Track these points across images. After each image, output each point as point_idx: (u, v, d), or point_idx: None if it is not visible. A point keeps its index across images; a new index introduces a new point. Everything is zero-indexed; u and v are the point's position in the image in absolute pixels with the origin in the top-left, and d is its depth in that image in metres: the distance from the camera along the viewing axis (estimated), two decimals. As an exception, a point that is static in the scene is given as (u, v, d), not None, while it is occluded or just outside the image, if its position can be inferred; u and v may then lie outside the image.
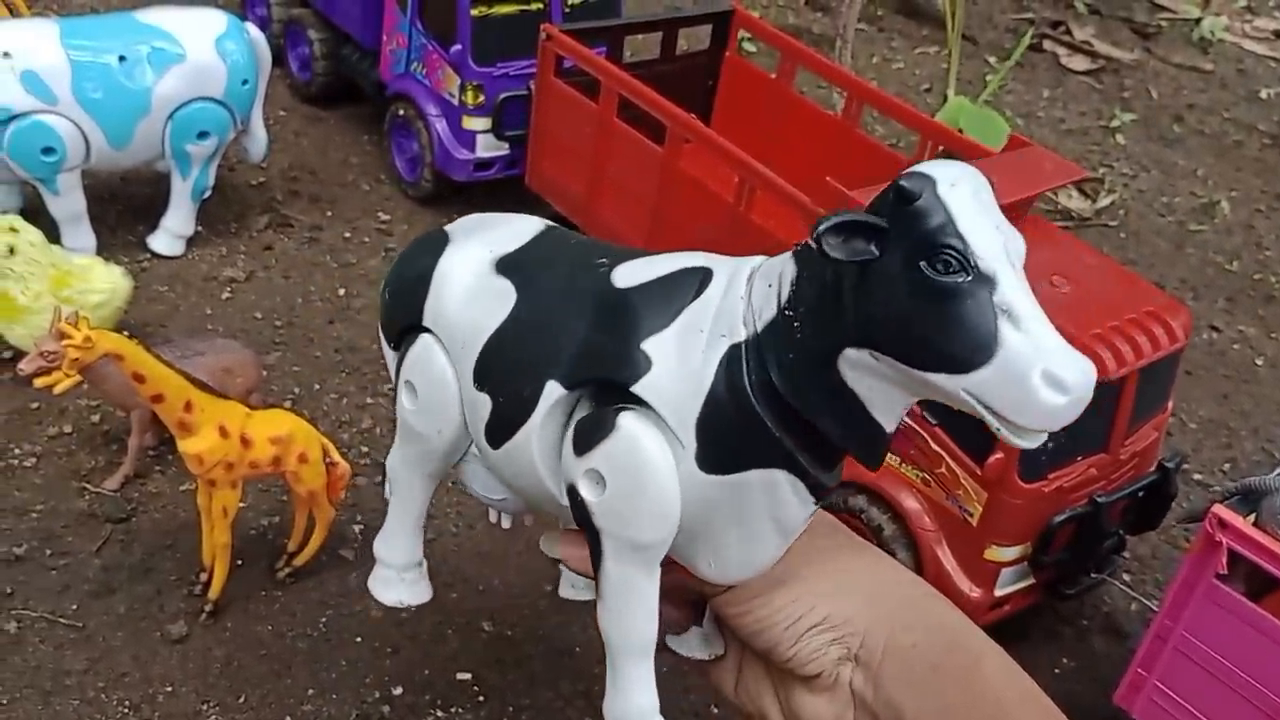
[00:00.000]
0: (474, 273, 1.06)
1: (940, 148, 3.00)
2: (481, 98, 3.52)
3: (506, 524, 1.25)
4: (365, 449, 2.83)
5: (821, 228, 0.78)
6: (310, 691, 2.25)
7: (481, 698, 2.31)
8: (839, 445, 0.88)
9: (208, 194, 3.36)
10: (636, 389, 0.89)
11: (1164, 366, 2.51)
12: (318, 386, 3.01)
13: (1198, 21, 6.32)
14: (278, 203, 3.68)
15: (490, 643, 2.42)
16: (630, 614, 0.97)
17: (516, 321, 1.00)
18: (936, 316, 0.77)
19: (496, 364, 1.01)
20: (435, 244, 1.14)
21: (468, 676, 2.35)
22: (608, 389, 0.92)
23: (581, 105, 3.12)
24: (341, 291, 3.36)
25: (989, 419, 0.78)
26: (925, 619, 0.95)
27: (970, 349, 0.76)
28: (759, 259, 0.89)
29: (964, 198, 0.79)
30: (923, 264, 0.77)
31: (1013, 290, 0.77)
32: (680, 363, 0.88)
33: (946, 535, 2.46)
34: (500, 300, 1.02)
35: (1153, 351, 2.39)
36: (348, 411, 2.94)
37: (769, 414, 0.86)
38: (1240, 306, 4.21)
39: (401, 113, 3.74)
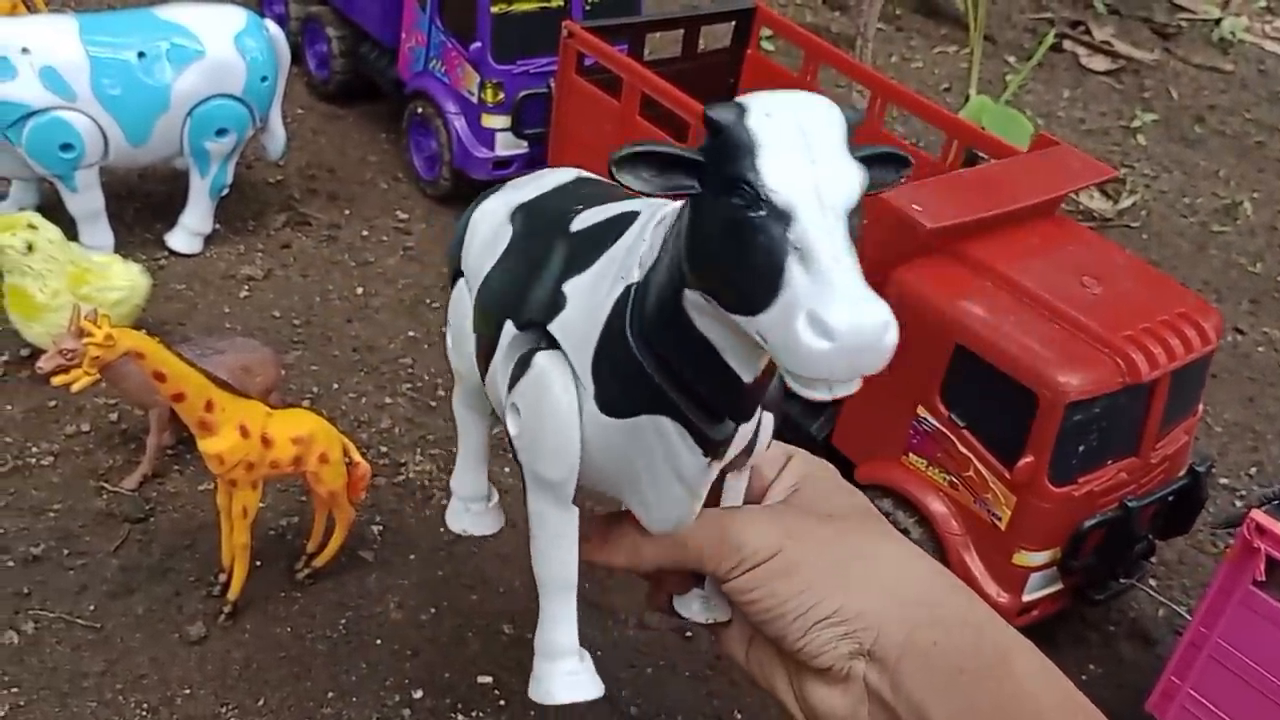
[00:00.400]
0: (492, 221, 1.12)
1: (965, 146, 2.96)
2: (501, 95, 3.49)
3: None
4: (384, 449, 2.81)
5: (616, 156, 0.75)
6: (330, 694, 2.23)
7: (502, 701, 2.28)
8: (703, 391, 0.85)
9: (225, 191, 3.34)
10: (551, 328, 0.92)
11: (1195, 369, 2.47)
12: (336, 386, 2.99)
13: (1218, 22, 6.27)
14: (296, 201, 3.66)
15: (511, 646, 2.39)
16: (546, 549, 1.00)
17: (499, 264, 1.05)
18: (731, 252, 0.73)
19: (479, 303, 1.08)
20: (482, 195, 1.22)
21: (488, 680, 2.32)
22: (540, 329, 0.94)
23: (603, 103, 3.10)
24: (360, 290, 3.34)
25: (780, 368, 0.73)
26: (947, 614, 0.88)
27: (756, 287, 0.72)
28: (678, 204, 0.86)
29: (775, 129, 0.73)
30: (725, 197, 0.73)
31: (811, 228, 0.71)
32: (588, 304, 0.89)
33: (974, 539, 2.43)
34: (500, 245, 1.07)
35: (1185, 354, 2.35)
36: (366, 411, 2.92)
37: (646, 359, 0.85)
38: (1265, 309, 4.16)
39: (420, 111, 3.72)
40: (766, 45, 4.46)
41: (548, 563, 1.01)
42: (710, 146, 0.75)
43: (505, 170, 3.62)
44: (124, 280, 2.78)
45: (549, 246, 0.98)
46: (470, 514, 1.36)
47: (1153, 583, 2.85)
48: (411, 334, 3.22)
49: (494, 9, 3.39)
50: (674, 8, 5.05)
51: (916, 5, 5.85)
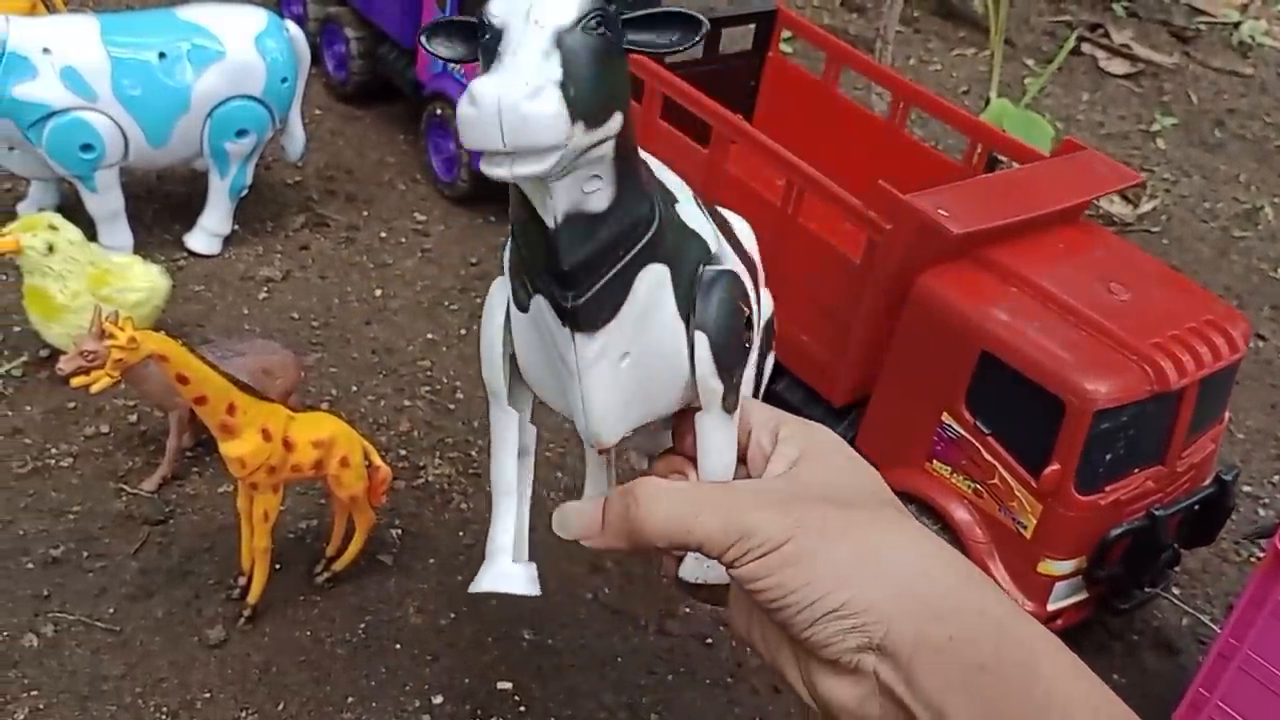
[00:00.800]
0: None
1: (989, 150, 2.93)
2: (520, 97, 3.48)
3: (641, 464, 1.37)
4: (403, 451, 2.80)
5: (428, 24, 0.88)
6: (350, 699, 2.22)
7: (523, 708, 2.27)
8: (530, 257, 0.93)
9: (245, 193, 3.34)
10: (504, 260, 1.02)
11: (1223, 377, 2.45)
12: (355, 388, 2.98)
13: (1237, 25, 6.23)
14: (314, 202, 3.66)
15: (531, 652, 2.38)
16: (494, 458, 1.09)
17: None
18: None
19: None
20: None
21: (508, 686, 2.31)
22: None
23: (623, 105, 3.08)
24: (378, 292, 3.33)
25: None
26: (964, 607, 0.81)
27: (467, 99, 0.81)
28: None
29: None
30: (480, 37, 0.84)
31: (512, 41, 0.81)
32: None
33: (998, 547, 2.41)
34: None
35: (1214, 361, 2.33)
36: (385, 414, 2.91)
37: (517, 245, 0.95)
38: (1287, 315, 4.13)
39: (439, 112, 3.71)
40: (786, 48, 4.44)
41: (494, 467, 1.09)
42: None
43: (524, 172, 3.61)
44: (144, 282, 2.78)
45: None
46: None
47: (1176, 591, 2.82)
48: (430, 336, 3.21)
49: (514, 10, 3.37)
50: (692, 9, 5.05)
51: (934, 7, 5.82)
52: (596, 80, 0.80)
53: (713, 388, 0.97)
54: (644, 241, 0.90)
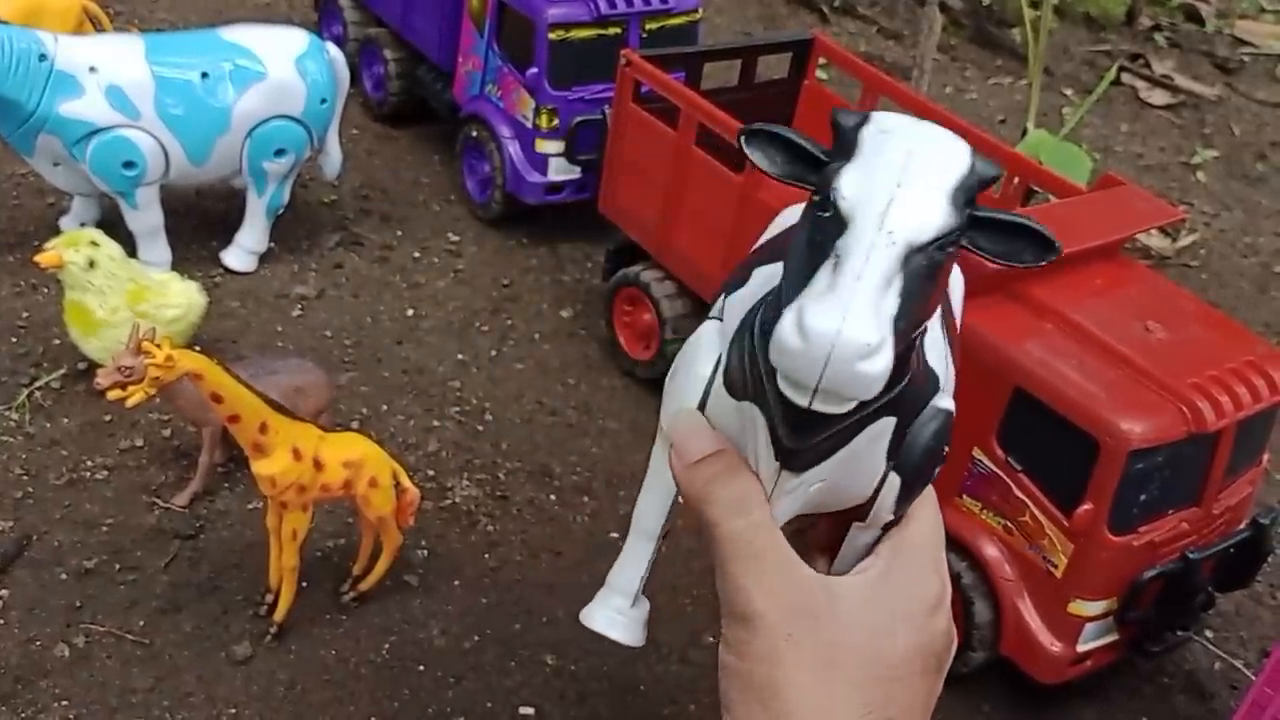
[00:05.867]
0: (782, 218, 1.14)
1: (1027, 183, 2.91)
2: (556, 121, 3.50)
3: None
4: (431, 472, 2.81)
5: (749, 127, 0.76)
6: (372, 719, 2.22)
7: (544, 734, 2.26)
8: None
9: (282, 211, 3.38)
10: (727, 300, 0.94)
11: (1262, 419, 2.41)
12: (385, 408, 2.99)
13: (1281, 57, 6.16)
14: (349, 221, 3.69)
15: (553, 677, 2.38)
16: (644, 496, 1.02)
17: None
18: (796, 246, 0.75)
19: None
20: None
21: (530, 711, 2.30)
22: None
23: (659, 131, 3.09)
24: (410, 312, 3.35)
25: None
26: None
27: (795, 283, 0.73)
28: None
29: (881, 144, 0.74)
30: (816, 194, 0.75)
31: (855, 242, 0.71)
32: (757, 287, 0.90)
33: (1028, 586, 2.37)
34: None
35: (1252, 403, 2.29)
36: (414, 434, 2.92)
37: (758, 342, 0.84)
38: (1328, 353, 4.06)
39: (474, 134, 3.74)
40: (822, 75, 4.44)
41: (642, 506, 1.03)
42: (831, 148, 0.77)
43: (557, 195, 3.63)
44: (181, 298, 2.81)
45: (776, 241, 1.01)
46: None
47: (1209, 635, 2.78)
48: (460, 357, 3.22)
49: (552, 35, 3.40)
50: (728, 37, 5.06)
51: (972, 35, 5.81)
52: (927, 302, 0.73)
53: (883, 519, 0.94)
54: (885, 400, 0.81)
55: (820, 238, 0.72)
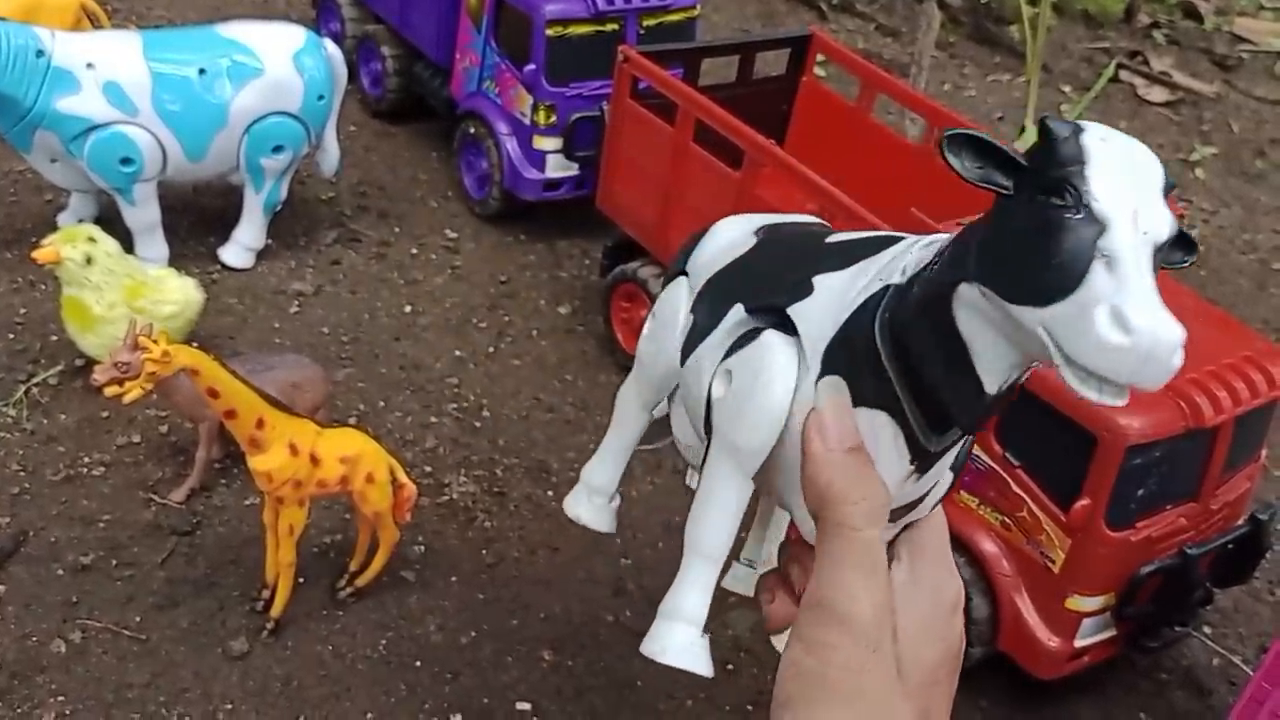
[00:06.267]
0: (734, 231, 1.16)
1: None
2: (553, 118, 3.50)
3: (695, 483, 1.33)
4: (428, 468, 2.81)
5: (951, 130, 0.78)
6: (369, 715, 2.22)
7: (541, 730, 2.26)
8: (939, 393, 0.85)
9: (279, 207, 3.37)
10: (790, 310, 0.95)
11: (1260, 415, 2.41)
12: (382, 404, 2.99)
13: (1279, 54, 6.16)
14: (346, 217, 3.69)
15: (550, 673, 2.38)
16: (708, 513, 1.00)
17: (741, 261, 1.10)
18: (1035, 243, 0.77)
19: (709, 291, 1.11)
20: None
21: (527, 707, 2.30)
22: (773, 311, 0.97)
23: (657, 128, 3.09)
24: (407, 309, 3.35)
25: (1058, 361, 0.73)
26: None
27: (1056, 279, 0.74)
28: (948, 235, 0.90)
29: (1108, 151, 0.77)
30: (1045, 197, 0.76)
31: (1121, 241, 0.74)
32: (837, 296, 0.92)
33: (1026, 582, 2.37)
34: (741, 248, 1.12)
35: (1250, 399, 2.29)
36: (411, 430, 2.92)
37: (885, 347, 0.86)
38: (1327, 350, 4.06)
39: (472, 131, 3.73)
40: (820, 72, 4.44)
41: (705, 527, 1.00)
42: (1038, 154, 0.78)
43: (555, 192, 3.62)
44: (179, 295, 2.81)
45: (799, 248, 1.03)
46: (592, 505, 1.34)
47: (1207, 631, 2.78)
48: (458, 353, 3.22)
49: (549, 31, 3.40)
50: (725, 33, 5.05)
51: (970, 32, 5.80)
52: None
53: (918, 518, 0.99)
54: None
55: (1076, 237, 0.75)
